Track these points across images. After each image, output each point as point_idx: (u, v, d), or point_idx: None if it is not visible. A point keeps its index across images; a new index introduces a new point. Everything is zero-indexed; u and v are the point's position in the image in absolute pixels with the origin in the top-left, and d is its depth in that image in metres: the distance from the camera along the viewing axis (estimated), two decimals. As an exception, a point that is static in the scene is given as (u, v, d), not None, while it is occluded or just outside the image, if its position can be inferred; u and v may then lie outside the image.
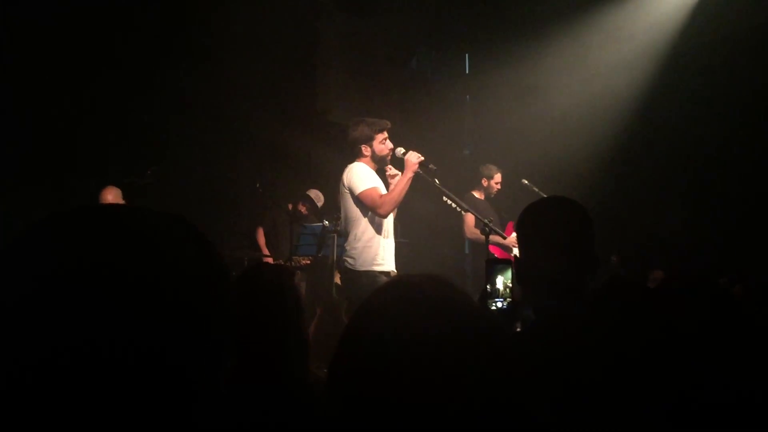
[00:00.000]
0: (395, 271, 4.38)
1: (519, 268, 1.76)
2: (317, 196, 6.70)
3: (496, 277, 1.90)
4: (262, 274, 2.04)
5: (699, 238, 6.33)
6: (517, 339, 1.66)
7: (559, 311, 1.60)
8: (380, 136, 4.40)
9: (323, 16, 7.28)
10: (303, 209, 6.63)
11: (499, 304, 1.89)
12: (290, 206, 6.49)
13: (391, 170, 4.43)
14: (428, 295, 0.76)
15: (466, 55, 8.87)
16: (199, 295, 0.62)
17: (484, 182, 6.54)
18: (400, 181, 4.28)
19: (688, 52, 6.70)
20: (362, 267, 4.23)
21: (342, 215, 4.48)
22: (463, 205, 4.87)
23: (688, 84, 6.63)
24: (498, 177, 6.54)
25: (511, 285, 1.90)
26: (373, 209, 4.26)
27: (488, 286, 1.89)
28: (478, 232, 5.96)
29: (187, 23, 5.84)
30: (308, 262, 6.34)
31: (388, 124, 4.46)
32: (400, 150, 4.40)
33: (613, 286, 1.63)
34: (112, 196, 4.94)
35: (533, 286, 1.72)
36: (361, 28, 7.71)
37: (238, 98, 6.51)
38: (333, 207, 6.20)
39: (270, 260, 6.09)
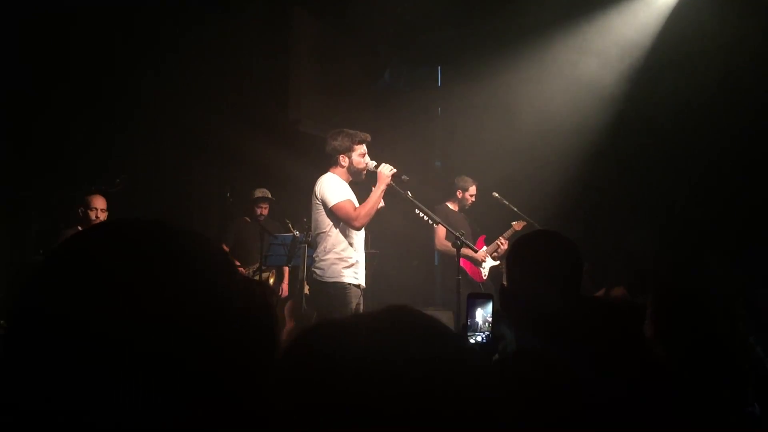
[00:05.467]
0: (363, 284, 4.37)
1: (508, 298, 1.74)
2: (264, 192, 6.60)
3: (475, 311, 1.91)
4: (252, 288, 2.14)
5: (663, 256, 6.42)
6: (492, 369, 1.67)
7: (540, 350, 1.58)
8: (359, 148, 4.41)
9: (296, 26, 7.26)
10: (263, 211, 6.56)
11: (479, 338, 1.90)
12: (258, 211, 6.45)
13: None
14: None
15: (439, 68, 8.94)
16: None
17: (459, 194, 6.61)
18: (374, 193, 4.30)
19: (659, 69, 6.79)
20: (330, 278, 4.21)
21: (312, 227, 4.46)
22: (435, 217, 4.90)
23: (656, 102, 6.73)
24: (473, 189, 6.62)
25: (490, 319, 1.91)
26: (347, 222, 4.26)
27: (468, 320, 1.91)
28: (448, 244, 6.00)
29: (156, 31, 5.78)
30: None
31: (368, 138, 4.47)
32: (372, 163, 4.41)
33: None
34: (101, 202, 5.05)
35: (521, 317, 1.70)
36: (334, 38, 7.72)
37: (208, 107, 6.46)
38: (304, 216, 6.17)
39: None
